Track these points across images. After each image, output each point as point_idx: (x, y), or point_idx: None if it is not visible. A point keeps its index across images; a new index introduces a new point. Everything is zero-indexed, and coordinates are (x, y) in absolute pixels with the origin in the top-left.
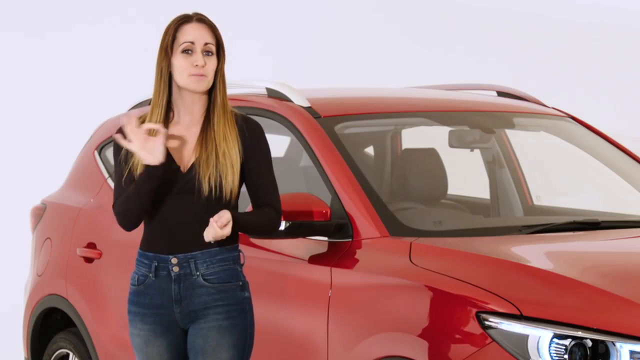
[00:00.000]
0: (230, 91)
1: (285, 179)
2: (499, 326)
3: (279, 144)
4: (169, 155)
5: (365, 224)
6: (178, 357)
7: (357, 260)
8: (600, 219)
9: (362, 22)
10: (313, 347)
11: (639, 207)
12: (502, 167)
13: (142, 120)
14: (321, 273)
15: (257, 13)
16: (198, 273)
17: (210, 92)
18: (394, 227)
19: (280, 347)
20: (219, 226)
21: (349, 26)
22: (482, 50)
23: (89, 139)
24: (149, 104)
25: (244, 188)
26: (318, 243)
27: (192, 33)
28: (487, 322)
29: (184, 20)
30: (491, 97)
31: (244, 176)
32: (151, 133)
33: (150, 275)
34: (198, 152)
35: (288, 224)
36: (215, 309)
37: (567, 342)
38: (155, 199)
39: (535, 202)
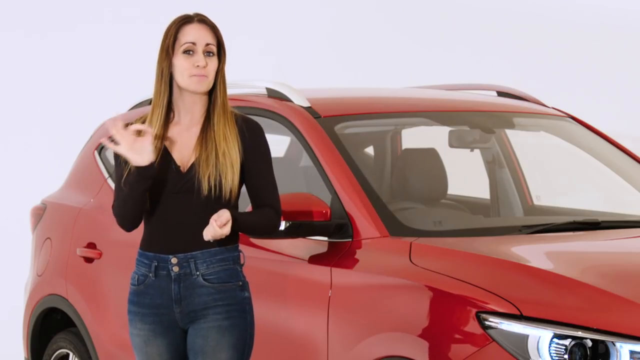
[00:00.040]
0: (230, 91)
1: (285, 179)
2: (499, 326)
3: (279, 144)
4: (169, 155)
5: (365, 224)
6: (178, 357)
7: (357, 260)
8: (600, 219)
9: (362, 22)
10: (313, 347)
11: (639, 207)
12: (502, 167)
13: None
14: (321, 273)
15: (257, 13)
16: (198, 273)
17: (211, 93)
18: (394, 227)
19: (280, 347)
20: (218, 225)
21: (349, 26)
22: (482, 50)
23: (89, 139)
24: (149, 104)
25: (244, 188)
26: (318, 243)
27: (193, 34)
28: (487, 322)
29: (185, 20)
30: (491, 97)
31: (244, 176)
32: (139, 134)
33: (150, 275)
34: (198, 151)
35: (288, 224)
36: (215, 309)
37: (567, 342)
38: (154, 199)
39: (535, 202)
